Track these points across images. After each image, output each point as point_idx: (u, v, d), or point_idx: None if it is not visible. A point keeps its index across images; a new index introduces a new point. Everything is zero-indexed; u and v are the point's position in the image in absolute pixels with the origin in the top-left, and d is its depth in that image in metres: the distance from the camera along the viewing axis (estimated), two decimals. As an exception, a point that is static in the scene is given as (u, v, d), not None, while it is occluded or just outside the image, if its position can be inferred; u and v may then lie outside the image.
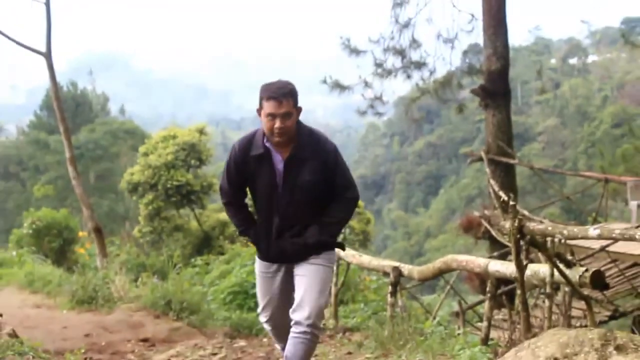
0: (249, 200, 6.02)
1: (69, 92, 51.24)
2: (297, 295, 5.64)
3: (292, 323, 5.62)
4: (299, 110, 5.52)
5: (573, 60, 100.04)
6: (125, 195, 30.71)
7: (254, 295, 13.91)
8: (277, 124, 5.33)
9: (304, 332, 5.55)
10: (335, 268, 11.54)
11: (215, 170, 39.08)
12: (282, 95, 5.34)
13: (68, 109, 36.54)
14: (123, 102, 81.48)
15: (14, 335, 7.43)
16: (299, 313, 5.56)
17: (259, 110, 5.45)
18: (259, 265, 5.93)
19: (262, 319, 6.10)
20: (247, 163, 5.58)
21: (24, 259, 16.25)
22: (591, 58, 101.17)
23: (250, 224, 5.88)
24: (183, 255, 22.16)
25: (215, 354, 8.49)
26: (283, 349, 5.89)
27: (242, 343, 9.54)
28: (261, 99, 5.42)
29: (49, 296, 12.69)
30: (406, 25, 18.30)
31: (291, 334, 5.61)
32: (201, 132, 26.76)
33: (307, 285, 5.62)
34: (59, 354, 7.49)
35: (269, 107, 5.34)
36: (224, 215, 26.60)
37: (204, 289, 14.02)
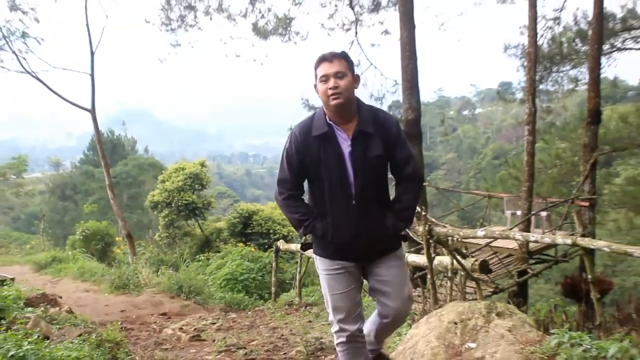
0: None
1: (107, 137, 50.88)
2: (388, 301, 4.00)
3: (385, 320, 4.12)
4: (356, 78, 3.76)
5: (465, 112, 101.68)
6: (149, 211, 30.28)
7: (242, 281, 13.93)
8: (331, 83, 3.65)
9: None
10: (299, 260, 11.55)
11: (213, 192, 38.90)
12: (332, 56, 3.70)
13: (107, 149, 36.15)
14: (147, 143, 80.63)
15: (70, 311, 7.45)
16: (394, 322, 4.14)
17: (315, 86, 3.79)
18: (324, 262, 3.94)
19: (338, 329, 3.97)
20: (309, 147, 3.75)
21: (76, 257, 16.20)
22: (478, 110, 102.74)
23: (315, 216, 3.82)
24: (190, 253, 21.95)
25: (214, 323, 8.46)
26: None
27: (233, 315, 9.50)
28: (315, 69, 3.77)
29: (94, 284, 12.66)
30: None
31: (384, 324, 4.17)
32: (202, 165, 26.50)
33: (397, 291, 3.97)
34: (102, 325, 7.41)
35: (321, 69, 3.70)
36: (220, 224, 26.39)
37: (205, 277, 13.93)
